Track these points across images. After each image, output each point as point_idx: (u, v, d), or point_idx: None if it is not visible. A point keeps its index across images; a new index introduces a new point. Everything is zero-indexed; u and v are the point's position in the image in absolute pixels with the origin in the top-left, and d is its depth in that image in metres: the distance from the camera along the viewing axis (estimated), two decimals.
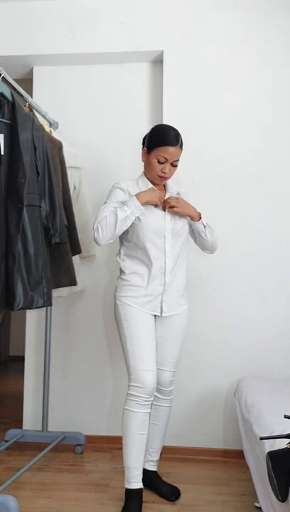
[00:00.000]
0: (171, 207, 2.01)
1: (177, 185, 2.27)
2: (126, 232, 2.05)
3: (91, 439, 2.72)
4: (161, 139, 1.98)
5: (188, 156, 2.53)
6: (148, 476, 2.14)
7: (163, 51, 2.75)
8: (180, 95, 2.73)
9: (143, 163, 2.11)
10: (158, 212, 2.05)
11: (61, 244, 2.22)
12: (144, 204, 1.97)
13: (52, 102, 2.86)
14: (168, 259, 2.04)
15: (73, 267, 2.37)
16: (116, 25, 2.79)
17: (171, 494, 2.11)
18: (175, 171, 2.07)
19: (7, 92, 1.93)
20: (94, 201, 2.79)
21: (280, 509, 1.42)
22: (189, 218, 2.09)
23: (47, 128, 2.50)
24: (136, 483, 1.98)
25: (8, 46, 2.82)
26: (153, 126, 2.12)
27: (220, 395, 2.63)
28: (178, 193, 2.15)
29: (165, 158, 1.99)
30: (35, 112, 2.42)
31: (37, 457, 2.34)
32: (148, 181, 2.09)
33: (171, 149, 1.98)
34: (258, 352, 2.61)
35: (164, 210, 2.06)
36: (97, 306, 2.81)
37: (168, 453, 2.53)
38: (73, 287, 2.52)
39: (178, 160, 2.04)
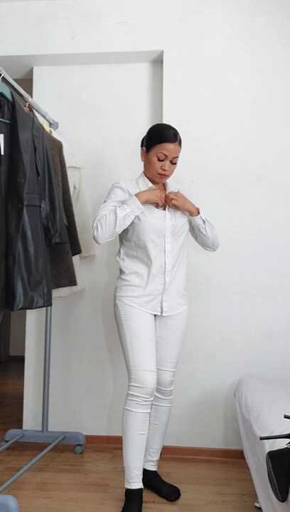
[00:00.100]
0: (170, 200, 2.02)
1: (177, 184, 2.27)
2: (126, 231, 2.05)
3: (91, 439, 2.72)
4: (160, 137, 2.00)
5: (188, 156, 2.54)
6: (148, 476, 2.14)
7: (163, 51, 2.75)
8: (180, 95, 2.73)
9: (143, 164, 2.11)
10: (158, 211, 2.05)
11: (61, 244, 2.22)
12: (144, 203, 1.97)
13: (52, 102, 2.86)
14: (168, 259, 2.04)
15: (73, 267, 2.37)
16: (116, 25, 2.79)
17: (171, 494, 2.11)
18: (174, 169, 2.08)
19: (7, 92, 1.93)
20: (94, 201, 2.79)
21: (280, 509, 1.42)
22: (188, 214, 2.09)
23: (47, 128, 2.50)
24: (136, 483, 1.98)
25: (8, 46, 2.83)
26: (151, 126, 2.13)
27: (220, 395, 2.63)
28: (178, 190, 2.15)
29: (165, 155, 2.00)
30: (35, 112, 2.42)
31: (37, 457, 2.34)
32: (148, 181, 2.09)
33: (170, 146, 1.99)
34: (258, 352, 2.61)
35: (164, 210, 2.06)
36: (97, 306, 2.81)
37: (168, 453, 2.53)
38: (73, 287, 2.52)
39: (177, 157, 2.04)
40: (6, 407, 3.52)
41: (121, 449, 2.02)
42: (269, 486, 1.40)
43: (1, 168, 1.86)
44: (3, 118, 1.90)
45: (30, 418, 2.81)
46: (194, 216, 2.08)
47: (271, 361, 2.60)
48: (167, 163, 2.01)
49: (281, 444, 1.43)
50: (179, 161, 2.09)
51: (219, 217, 2.53)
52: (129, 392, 1.98)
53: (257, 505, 2.02)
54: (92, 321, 2.81)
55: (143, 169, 2.13)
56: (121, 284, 2.07)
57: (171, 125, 2.07)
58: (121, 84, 2.88)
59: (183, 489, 2.17)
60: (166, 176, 2.07)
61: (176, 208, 2.05)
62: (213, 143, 2.71)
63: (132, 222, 1.99)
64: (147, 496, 2.08)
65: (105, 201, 2.05)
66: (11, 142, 1.90)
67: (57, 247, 2.25)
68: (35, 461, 2.32)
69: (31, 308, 1.91)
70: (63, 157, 2.46)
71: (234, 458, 2.55)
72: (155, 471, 2.21)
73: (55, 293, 2.39)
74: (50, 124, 2.71)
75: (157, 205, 2.04)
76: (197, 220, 2.08)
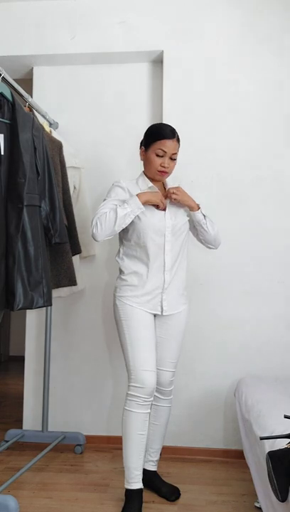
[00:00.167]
0: (171, 194, 2.02)
1: (177, 184, 2.27)
2: (126, 231, 2.05)
3: (91, 439, 2.72)
4: (158, 134, 2.01)
5: (188, 156, 2.54)
6: (148, 476, 2.14)
7: (163, 51, 2.75)
8: (180, 95, 2.73)
9: (142, 164, 2.11)
10: (158, 211, 2.05)
11: (61, 244, 2.22)
12: (145, 203, 1.98)
13: (52, 102, 2.86)
14: (168, 258, 2.04)
15: (73, 267, 2.37)
16: (116, 25, 2.79)
17: (171, 494, 2.11)
18: (174, 166, 2.07)
19: (7, 92, 1.93)
20: (94, 201, 2.79)
21: (280, 509, 1.43)
22: (188, 209, 2.09)
23: (47, 128, 2.50)
24: (136, 483, 1.98)
25: (8, 46, 2.83)
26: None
27: (220, 395, 2.63)
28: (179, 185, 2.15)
29: (164, 151, 2.00)
30: (35, 112, 2.42)
31: (37, 457, 2.34)
32: (148, 180, 2.09)
33: (168, 142, 1.99)
34: (258, 352, 2.61)
35: (164, 211, 2.06)
36: (97, 306, 2.81)
37: (168, 453, 2.53)
38: (73, 287, 2.52)
39: (176, 153, 2.04)
40: (6, 407, 3.52)
41: (121, 449, 2.02)
42: (269, 486, 1.40)
43: (1, 168, 1.86)
44: (3, 118, 1.90)
45: (30, 418, 2.81)
46: (194, 211, 2.08)
47: (271, 361, 2.60)
48: (166, 159, 2.02)
49: (281, 444, 1.43)
50: (179, 161, 2.09)
51: (219, 217, 2.51)
52: (129, 392, 1.97)
53: (257, 505, 2.02)
54: (91, 321, 2.81)
55: (142, 169, 2.13)
56: (121, 284, 2.07)
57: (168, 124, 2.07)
58: (121, 85, 2.88)
59: (183, 489, 2.17)
60: (166, 173, 2.07)
61: (177, 202, 2.05)
62: (213, 143, 2.71)
63: (132, 221, 1.99)
64: (147, 496, 2.08)
65: (105, 199, 2.06)
66: (11, 142, 1.90)
67: (57, 247, 2.24)
68: (35, 461, 2.32)
69: (31, 308, 1.91)
70: (63, 157, 2.46)
71: (234, 458, 2.55)
72: (155, 471, 2.21)
73: (55, 293, 2.39)
74: (50, 124, 2.71)
75: (158, 207, 2.05)
76: (198, 215, 2.08)
